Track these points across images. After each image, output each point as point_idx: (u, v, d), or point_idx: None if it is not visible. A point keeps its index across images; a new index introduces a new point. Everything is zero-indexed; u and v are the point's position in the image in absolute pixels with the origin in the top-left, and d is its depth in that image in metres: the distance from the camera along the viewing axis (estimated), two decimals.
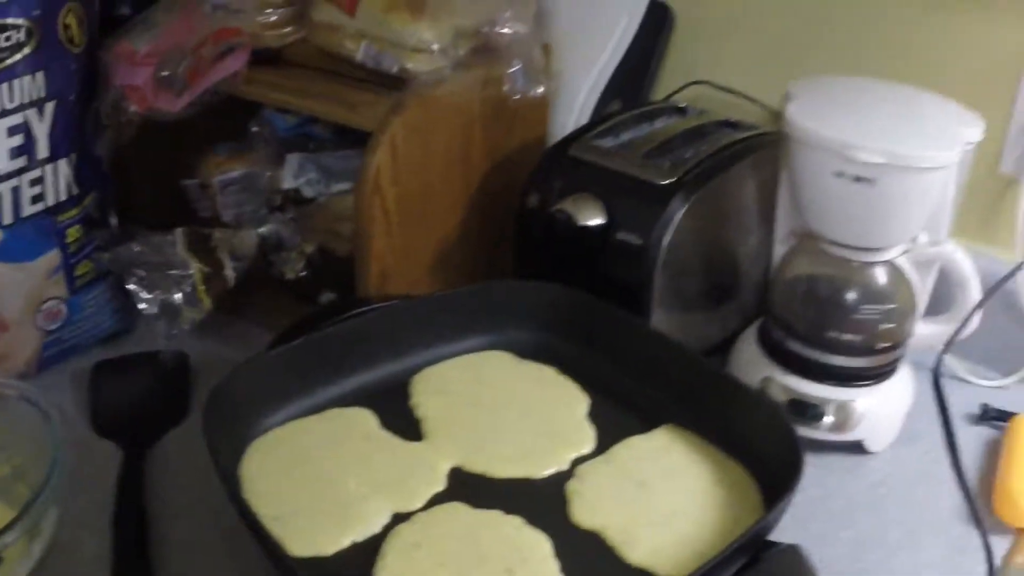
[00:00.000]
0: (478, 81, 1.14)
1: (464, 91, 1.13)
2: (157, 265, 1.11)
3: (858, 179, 1.00)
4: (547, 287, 1.11)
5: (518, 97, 1.13)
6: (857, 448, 1.11)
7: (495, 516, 0.94)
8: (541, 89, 1.13)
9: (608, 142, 1.16)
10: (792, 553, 0.87)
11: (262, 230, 1.17)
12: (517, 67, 1.11)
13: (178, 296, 1.11)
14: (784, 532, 0.89)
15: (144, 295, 1.10)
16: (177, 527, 1.00)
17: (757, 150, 1.16)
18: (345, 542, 0.92)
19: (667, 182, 1.08)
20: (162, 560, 0.96)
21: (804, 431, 1.07)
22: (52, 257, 1.13)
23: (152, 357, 1.17)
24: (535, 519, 0.93)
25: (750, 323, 1.17)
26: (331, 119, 1.14)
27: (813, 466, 1.01)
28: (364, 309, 1.07)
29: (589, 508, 0.95)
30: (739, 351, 1.16)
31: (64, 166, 1.12)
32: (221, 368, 1.04)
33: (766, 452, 0.96)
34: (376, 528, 0.93)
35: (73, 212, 1.14)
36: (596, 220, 1.08)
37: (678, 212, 1.07)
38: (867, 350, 1.08)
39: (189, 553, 0.97)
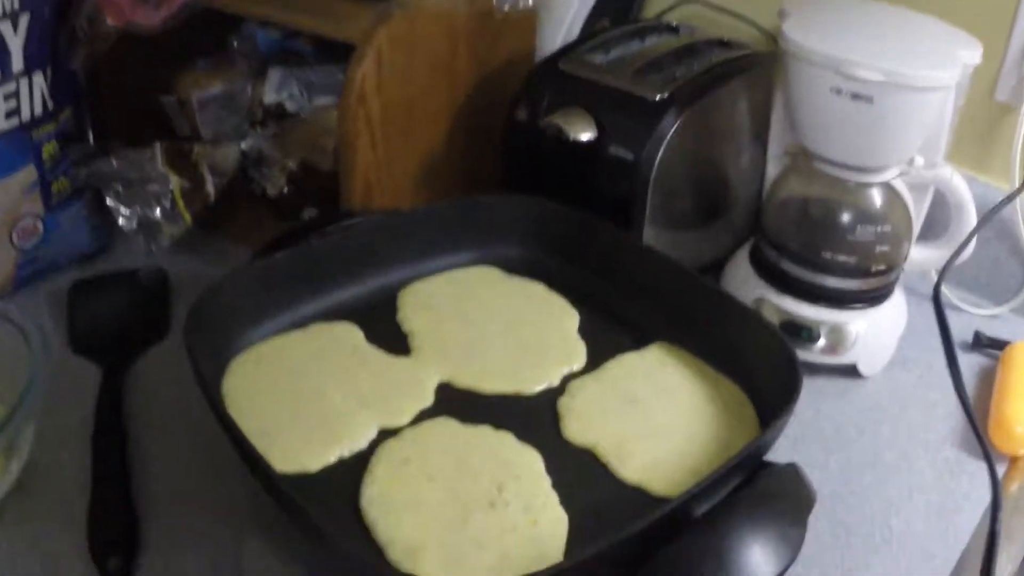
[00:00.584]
0: None
1: (450, 2, 1.07)
2: (135, 180, 1.05)
3: (855, 96, 0.95)
4: (535, 201, 1.06)
5: (506, 9, 1.07)
6: (850, 372, 1.06)
7: (485, 431, 0.90)
8: (530, 2, 1.08)
9: (598, 58, 1.10)
10: (791, 472, 0.82)
11: (243, 145, 1.11)
12: None
13: (157, 211, 1.05)
14: (775, 454, 0.84)
15: (123, 210, 1.05)
16: (157, 444, 0.95)
17: (750, 69, 1.11)
18: (331, 458, 0.87)
19: (660, 97, 1.02)
20: (142, 477, 0.91)
21: (798, 353, 1.01)
22: (28, 173, 1.07)
23: (130, 275, 1.12)
24: (526, 435, 0.89)
25: (742, 243, 1.13)
26: (315, 32, 1.08)
27: (805, 389, 0.95)
28: (349, 222, 1.01)
29: (581, 424, 0.91)
30: (731, 271, 1.11)
31: (39, 80, 1.06)
32: (201, 286, 0.98)
33: (762, 371, 0.92)
34: (363, 444, 0.88)
35: (49, 127, 1.08)
36: (587, 134, 1.02)
37: (671, 128, 1.01)
38: (861, 272, 1.04)
39: (169, 470, 0.92)
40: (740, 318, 0.96)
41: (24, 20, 1.03)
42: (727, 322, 0.96)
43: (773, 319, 1.04)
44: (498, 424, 0.90)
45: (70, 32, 1.07)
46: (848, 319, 1.04)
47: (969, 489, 0.96)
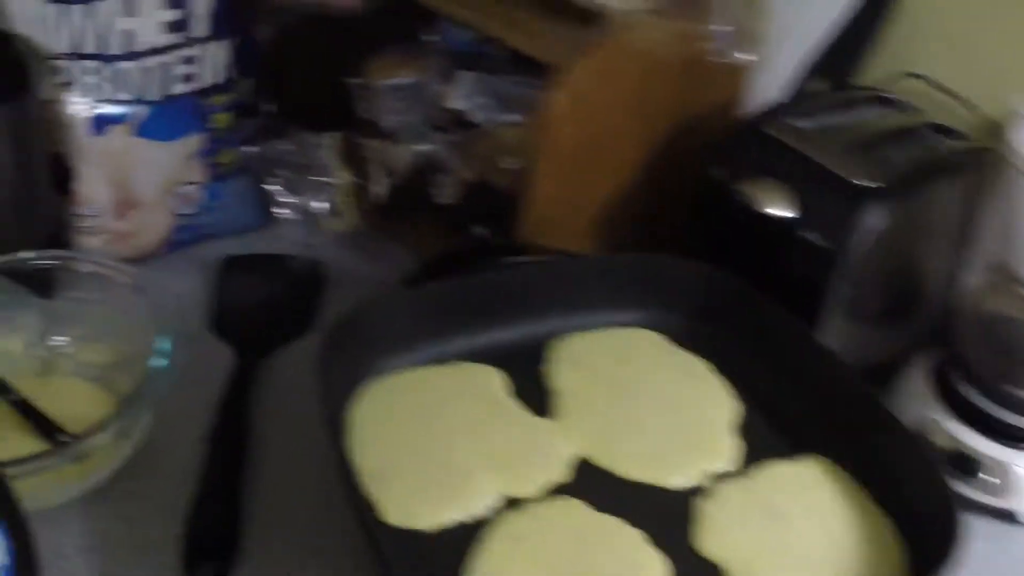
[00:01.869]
0: (677, 33, 0.94)
1: (660, 41, 0.93)
2: (302, 167, 0.96)
3: None
4: (716, 272, 0.92)
5: (724, 60, 0.93)
6: (1008, 516, 0.90)
7: (615, 525, 0.78)
8: (749, 57, 0.93)
9: (806, 124, 0.95)
10: None
11: (420, 148, 0.99)
12: (727, 28, 0.92)
13: (320, 204, 0.96)
14: None
15: (284, 198, 0.96)
16: (278, 452, 0.86)
17: (968, 166, 0.95)
18: (446, 519, 0.76)
19: (868, 184, 0.88)
20: (255, 484, 0.82)
21: (957, 487, 0.89)
22: (196, 140, 0.98)
23: (285, 261, 1.02)
24: (657, 537, 0.77)
25: (919, 348, 0.97)
26: (509, 44, 0.95)
27: None
28: (514, 259, 0.91)
29: (716, 535, 0.78)
30: (905, 380, 0.95)
31: (221, 48, 0.97)
32: (355, 284, 0.91)
33: (920, 512, 0.78)
34: (482, 509, 0.78)
35: (223, 97, 0.99)
36: (783, 210, 0.89)
37: (876, 220, 0.87)
38: None
39: (285, 484, 0.83)
40: (905, 446, 0.82)
41: None
42: (891, 447, 0.82)
43: (941, 445, 0.89)
44: (630, 517, 0.78)
45: (262, 3, 0.98)
46: (1018, 459, 0.88)
47: None
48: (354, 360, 0.84)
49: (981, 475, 0.89)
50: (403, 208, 1.03)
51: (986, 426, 0.89)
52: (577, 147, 0.92)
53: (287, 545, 0.79)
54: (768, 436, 0.87)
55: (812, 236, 0.88)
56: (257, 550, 0.78)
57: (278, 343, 0.94)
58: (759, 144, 0.93)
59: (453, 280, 0.88)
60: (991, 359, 0.90)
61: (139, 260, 0.99)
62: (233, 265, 1.01)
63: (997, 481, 0.89)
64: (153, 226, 1.00)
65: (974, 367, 0.90)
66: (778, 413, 0.88)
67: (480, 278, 0.89)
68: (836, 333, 0.91)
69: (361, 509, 0.73)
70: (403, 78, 1.02)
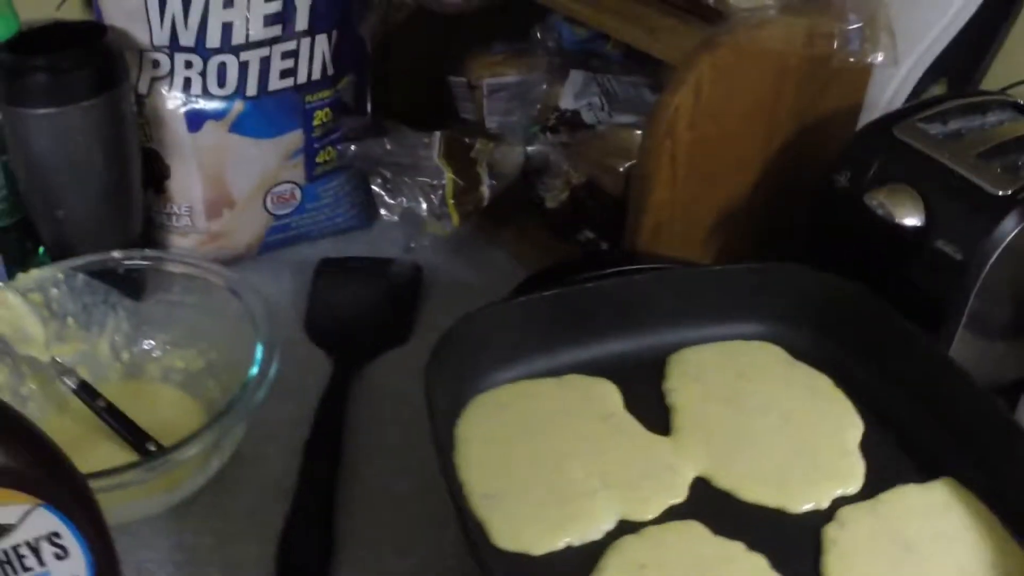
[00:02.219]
0: (803, 31, 0.87)
1: (785, 39, 0.87)
2: (407, 168, 0.91)
3: None
4: (841, 282, 0.85)
5: (852, 60, 0.86)
6: None
7: (737, 550, 0.72)
8: (880, 57, 0.86)
9: (935, 129, 0.89)
10: None
11: (530, 148, 0.95)
12: (856, 25, 0.86)
13: (424, 206, 0.91)
14: None
15: (387, 199, 0.90)
16: (374, 465, 0.82)
17: None
18: (559, 543, 0.71)
19: (1003, 192, 0.81)
20: (350, 498, 0.78)
21: None
22: (294, 138, 0.95)
23: (384, 264, 0.97)
24: (780, 563, 0.71)
25: None
26: (627, 40, 0.90)
27: None
28: (629, 268, 0.85)
29: (844, 564, 0.71)
30: None
31: (322, 42, 0.93)
32: (457, 291, 0.86)
33: None
34: (598, 534, 0.72)
35: (324, 94, 0.95)
36: (914, 220, 0.83)
37: (1011, 231, 0.80)
38: None
39: (381, 499, 0.79)
40: None
41: None
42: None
43: None
44: (753, 542, 0.72)
45: None
46: None
47: None
48: (463, 372, 0.79)
49: None
50: (508, 211, 0.98)
51: None
52: (696, 150, 0.87)
53: (382, 564, 0.75)
54: (895, 457, 0.80)
55: (943, 246, 0.82)
56: (351, 570, 0.75)
57: (376, 351, 0.90)
58: (887, 149, 0.87)
59: (565, 289, 0.82)
60: None
61: (232, 262, 0.95)
62: (329, 268, 0.97)
63: None
64: (247, 226, 0.96)
65: None
66: (904, 433, 0.82)
67: (593, 287, 0.83)
68: (965, 348, 0.86)
69: (471, 531, 0.68)
70: (508, 76, 0.99)
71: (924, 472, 0.80)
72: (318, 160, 0.97)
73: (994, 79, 1.08)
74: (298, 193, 0.97)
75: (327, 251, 1.00)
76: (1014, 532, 0.76)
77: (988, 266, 0.82)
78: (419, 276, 0.97)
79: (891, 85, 1.01)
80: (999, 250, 0.82)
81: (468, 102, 1.01)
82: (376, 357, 0.89)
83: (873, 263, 0.87)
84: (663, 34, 0.87)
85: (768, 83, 0.89)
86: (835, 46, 0.87)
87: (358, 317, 0.93)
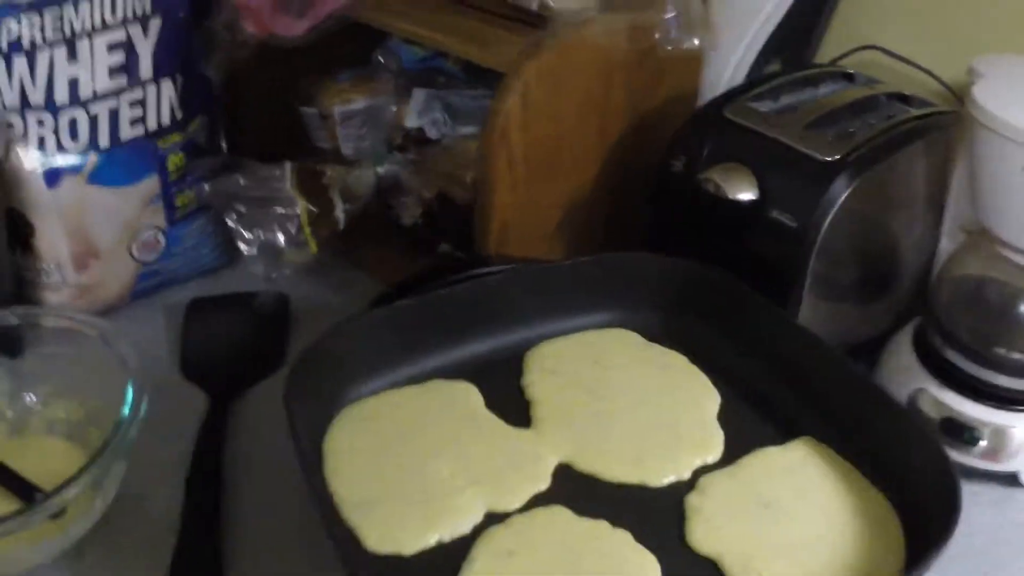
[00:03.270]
0: (625, 26, 0.89)
1: (609, 35, 0.89)
2: (261, 201, 0.91)
3: None
4: (685, 264, 0.88)
5: (669, 48, 0.88)
6: (1011, 479, 0.86)
7: (601, 528, 0.73)
8: (696, 42, 0.88)
9: (766, 106, 0.91)
10: None
11: (380, 170, 0.95)
12: (672, 15, 0.87)
13: (281, 236, 0.91)
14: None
15: (244, 233, 0.91)
16: (254, 492, 0.81)
17: (932, 131, 0.90)
18: (430, 541, 0.72)
19: (831, 158, 0.83)
20: (235, 527, 0.78)
21: (953, 455, 0.83)
22: (151, 184, 0.94)
23: (250, 298, 0.97)
24: (645, 536, 0.72)
25: (906, 322, 0.92)
26: (460, 55, 0.92)
27: None
28: (480, 272, 0.85)
29: (708, 530, 0.73)
30: (891, 354, 0.91)
31: (167, 88, 0.93)
32: (324, 315, 0.86)
33: (915, 484, 0.74)
34: (466, 528, 0.73)
35: (176, 137, 0.95)
36: (747, 194, 0.84)
37: (841, 194, 0.82)
38: None
39: (264, 524, 0.79)
40: (894, 419, 0.77)
41: (155, 24, 0.90)
42: (881, 422, 0.78)
43: (932, 414, 0.85)
44: (617, 520, 0.73)
45: (206, 37, 0.93)
46: (1016, 422, 0.83)
47: None
48: (325, 389, 0.79)
49: (978, 441, 0.84)
50: (367, 233, 0.98)
51: (976, 390, 0.84)
52: (533, 152, 0.88)
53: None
54: (753, 424, 0.82)
55: (778, 216, 0.84)
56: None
57: (248, 382, 0.90)
58: (717, 129, 0.89)
59: (419, 298, 0.83)
60: (974, 322, 0.86)
61: (106, 311, 0.95)
62: (199, 307, 0.97)
63: (993, 445, 0.84)
64: (116, 275, 0.96)
65: (958, 332, 0.85)
66: (760, 399, 0.84)
67: (445, 294, 0.84)
68: (814, 313, 0.87)
69: (338, 539, 0.68)
70: (357, 102, 1.00)
71: (782, 434, 0.81)
72: (177, 203, 0.97)
73: (828, 52, 1.10)
74: (162, 238, 0.97)
75: (198, 291, 1.00)
76: (875, 481, 0.78)
77: (823, 230, 0.83)
78: (286, 305, 0.97)
79: (728, 67, 1.03)
80: (832, 213, 0.83)
81: (322, 131, 1.01)
82: (250, 387, 0.89)
83: (716, 241, 0.89)
84: (493, 45, 0.88)
85: (597, 79, 0.91)
86: (656, 37, 0.89)
87: (230, 351, 0.93)
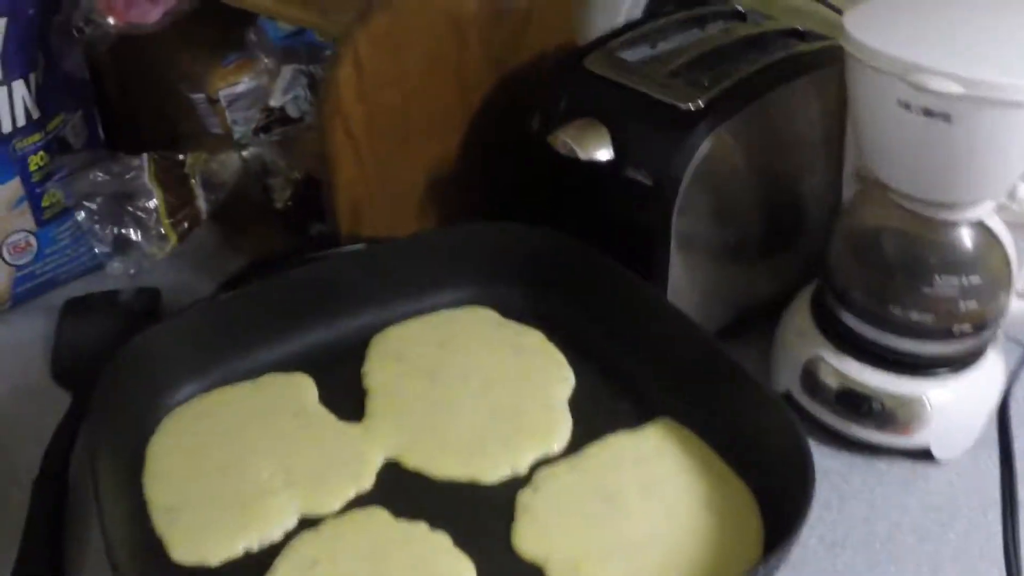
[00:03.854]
0: None
1: None
2: (119, 196, 0.86)
3: (928, 113, 0.63)
4: (537, 232, 0.80)
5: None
6: (921, 454, 0.75)
7: (418, 531, 0.66)
8: None
9: (639, 53, 0.81)
10: None
11: (245, 154, 0.89)
12: None
13: (136, 231, 0.86)
14: (809, 565, 0.59)
15: (97, 231, 0.86)
16: None
17: (823, 65, 0.79)
18: (238, 549, 0.65)
19: (691, 106, 0.73)
20: (77, 538, 0.72)
21: (856, 430, 0.74)
22: (13, 187, 0.89)
23: (116, 295, 0.91)
24: (467, 539, 0.65)
25: (810, 282, 0.81)
26: (301, 24, 0.85)
27: (860, 474, 0.73)
28: (315, 255, 0.78)
29: (536, 530, 0.65)
30: (788, 319, 0.80)
31: (20, 89, 0.86)
32: None
33: (776, 471, 0.65)
34: (277, 535, 0.66)
35: (35, 137, 0.89)
36: (602, 153, 0.75)
37: (700, 144, 0.72)
38: (942, 333, 0.72)
39: None
40: (753, 398, 0.68)
41: (0, 25, 0.84)
42: (739, 401, 0.69)
43: (830, 384, 0.74)
44: (438, 521, 0.66)
45: (62, 32, 0.87)
46: (922, 389, 0.73)
47: None
48: (147, 391, 0.73)
49: (878, 412, 0.73)
50: (246, 217, 0.93)
51: (876, 356, 0.74)
52: (376, 122, 0.80)
53: None
54: (608, 407, 0.74)
55: (632, 174, 0.74)
56: None
57: None
58: (575, 83, 0.79)
59: (245, 289, 0.77)
60: (868, 280, 0.74)
61: None
62: (71, 308, 0.91)
63: (900, 417, 0.73)
64: None
65: (852, 292, 0.74)
66: (619, 379, 0.75)
67: (278, 279, 0.77)
68: (690, 278, 0.77)
69: (120, 552, 0.61)
70: (241, 84, 0.93)
71: (639, 417, 0.73)
72: (44, 204, 0.91)
73: None
74: (33, 240, 0.91)
75: (80, 291, 0.94)
76: (732, 464, 0.69)
77: (683, 186, 0.73)
78: (155, 299, 0.91)
79: (620, 11, 0.92)
80: (692, 166, 0.73)
81: (212, 116, 0.95)
82: None
83: (577, 206, 0.80)
84: (333, 12, 0.80)
85: (446, 40, 0.82)
86: None
87: (96, 352, 0.84)
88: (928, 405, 0.73)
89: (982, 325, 0.73)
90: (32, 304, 0.93)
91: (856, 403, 0.74)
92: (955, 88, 0.62)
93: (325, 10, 0.81)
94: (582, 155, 0.75)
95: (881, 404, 0.73)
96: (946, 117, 0.63)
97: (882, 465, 0.76)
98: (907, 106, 0.64)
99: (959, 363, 0.74)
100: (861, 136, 0.71)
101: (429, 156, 0.86)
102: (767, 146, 0.78)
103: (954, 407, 0.74)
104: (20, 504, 0.74)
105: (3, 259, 0.90)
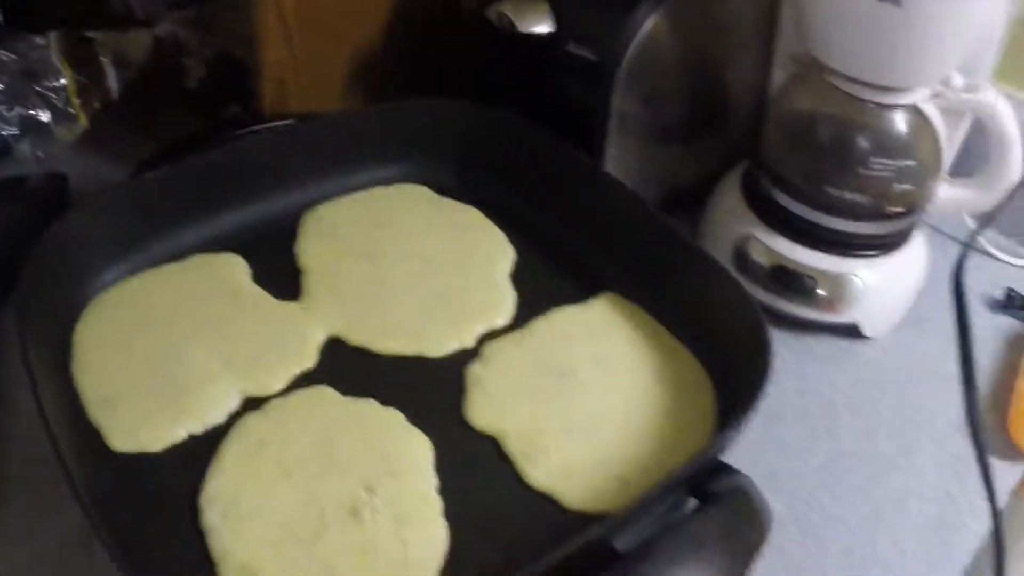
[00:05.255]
0: None
1: None
2: (25, 74, 0.79)
3: None
4: (474, 108, 0.75)
5: None
6: (850, 331, 0.75)
7: (368, 408, 0.63)
8: None
9: None
10: (741, 496, 0.54)
11: (157, 31, 0.82)
12: None
13: (45, 113, 0.80)
14: (746, 437, 0.58)
15: (2, 111, 0.79)
16: (21, 389, 0.65)
17: None
18: (179, 434, 0.61)
19: None
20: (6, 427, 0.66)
21: (787, 306, 0.74)
22: None
23: (22, 181, 0.81)
24: (420, 414, 0.62)
25: (737, 164, 0.80)
26: None
27: (791, 350, 0.72)
28: (241, 132, 0.73)
29: (490, 403, 0.63)
30: (718, 199, 0.79)
31: None
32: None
33: (728, 343, 0.64)
34: (219, 417, 0.62)
35: None
36: (542, 27, 0.72)
37: (646, 20, 0.70)
38: (874, 214, 0.72)
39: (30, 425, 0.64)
40: (705, 272, 0.66)
41: None
42: (690, 276, 0.67)
43: (762, 262, 0.73)
44: (388, 397, 0.63)
45: None
46: (853, 268, 0.72)
47: (977, 499, 0.66)
48: (69, 276, 0.67)
49: (811, 290, 0.73)
50: (155, 98, 0.85)
51: (808, 235, 0.73)
52: (309, 2, 0.74)
53: (47, 485, 0.61)
54: (549, 280, 0.71)
55: (576, 49, 0.71)
56: (15, 496, 0.63)
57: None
58: None
59: (168, 168, 0.70)
60: (804, 161, 0.73)
61: None
62: None
63: (829, 295, 0.73)
64: None
65: (787, 173, 0.73)
66: (561, 254, 0.73)
67: (201, 160, 0.71)
68: (626, 155, 0.75)
69: (63, 441, 0.55)
70: None
71: (584, 292, 0.70)
72: None
73: None
74: None
75: None
76: (682, 337, 0.67)
77: (625, 63, 0.70)
78: (64, 185, 0.82)
79: None
80: (635, 42, 0.70)
81: None
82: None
83: (515, 82, 0.77)
84: None
85: None
86: None
87: (5, 239, 0.76)
88: (859, 283, 0.73)
89: (912, 208, 0.73)
90: None
91: (788, 281, 0.73)
92: None
93: None
94: (521, 27, 0.72)
95: (811, 282, 0.73)
96: (897, 2, 0.62)
97: (812, 341, 0.75)
98: None
99: (889, 244, 0.74)
100: (806, 17, 0.69)
101: (358, 35, 0.81)
102: (703, 28, 0.75)
103: (883, 286, 0.74)
104: None
105: None
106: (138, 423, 0.62)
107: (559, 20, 0.72)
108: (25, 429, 0.66)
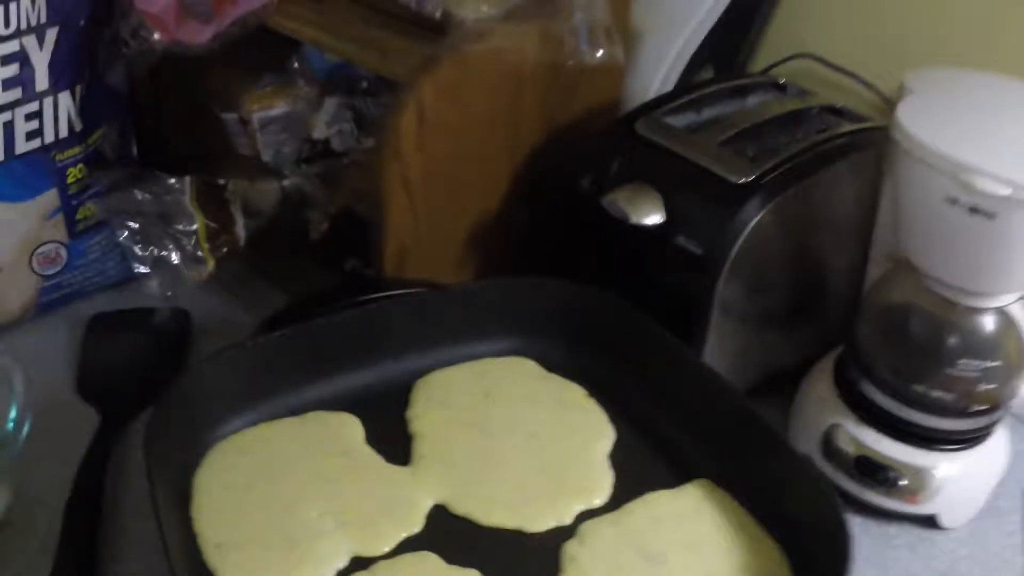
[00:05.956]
0: (534, 35, 0.81)
1: (514, 46, 0.80)
2: (159, 216, 0.84)
3: (974, 211, 0.65)
4: (583, 290, 0.79)
5: (587, 60, 0.78)
6: (928, 521, 0.77)
7: None
8: (600, 53, 0.78)
9: (686, 119, 0.83)
10: None
11: (285, 183, 0.88)
12: (580, 22, 0.77)
13: (176, 254, 0.84)
14: None
15: (137, 251, 0.84)
16: (138, 516, 0.74)
17: (863, 148, 0.81)
18: None
19: (744, 180, 0.75)
20: (114, 553, 0.71)
21: (869, 495, 0.76)
22: (49, 198, 0.87)
23: (150, 315, 0.89)
24: None
25: (830, 350, 0.83)
26: (362, 64, 0.84)
27: (871, 536, 0.74)
28: (372, 297, 0.77)
29: None
30: (809, 385, 0.82)
31: (65, 100, 0.85)
32: (229, 331, 0.79)
33: (810, 535, 0.66)
34: (329, 573, 0.65)
35: (75, 150, 0.87)
36: (653, 218, 0.76)
37: (751, 219, 0.74)
38: (959, 412, 0.74)
39: (142, 549, 0.71)
40: (789, 464, 0.69)
41: (52, 34, 0.83)
42: (775, 467, 0.70)
43: (848, 451, 0.76)
44: (489, 568, 0.66)
45: (110, 46, 0.85)
46: (935, 462, 0.75)
47: None
48: (196, 423, 0.72)
49: (895, 481, 0.75)
50: (278, 246, 0.91)
51: (894, 428, 0.76)
52: (431, 170, 0.80)
53: None
54: (645, 464, 0.74)
55: (683, 242, 0.76)
56: None
57: (143, 403, 0.81)
58: (628, 146, 0.81)
59: (296, 328, 0.75)
60: (894, 355, 0.76)
61: (12, 326, 0.89)
62: (99, 323, 0.90)
63: (911, 486, 0.76)
64: (18, 290, 0.89)
65: (877, 366, 0.76)
66: (658, 438, 0.76)
67: (326, 322, 0.76)
68: (726, 341, 0.79)
69: None
70: (277, 108, 0.92)
71: (678, 476, 0.74)
72: (78, 217, 0.90)
73: (766, 60, 0.99)
74: (63, 252, 0.90)
75: (104, 306, 0.93)
76: (767, 526, 0.69)
77: (731, 258, 0.75)
78: (187, 322, 0.90)
79: (657, 76, 0.93)
80: (741, 240, 0.75)
81: (243, 137, 0.94)
82: (144, 409, 0.81)
83: (623, 267, 0.81)
84: (394, 55, 0.80)
85: (504, 93, 0.82)
86: (565, 48, 0.81)
87: (126, 370, 0.85)
88: (939, 477, 0.75)
89: (996, 406, 0.76)
90: (56, 314, 0.91)
91: (872, 471, 0.76)
92: (1005, 190, 0.64)
93: (385, 52, 0.81)
94: (633, 218, 0.77)
95: (895, 473, 0.76)
96: (991, 215, 0.66)
97: (891, 529, 0.78)
98: (954, 202, 0.66)
99: (970, 439, 0.76)
100: (901, 223, 0.74)
101: (477, 207, 0.86)
102: (806, 223, 0.80)
103: (963, 480, 0.77)
104: (48, 523, 0.72)
105: (32, 269, 0.88)
106: (252, 571, 0.65)
107: (669, 212, 0.76)
108: (134, 556, 0.71)
